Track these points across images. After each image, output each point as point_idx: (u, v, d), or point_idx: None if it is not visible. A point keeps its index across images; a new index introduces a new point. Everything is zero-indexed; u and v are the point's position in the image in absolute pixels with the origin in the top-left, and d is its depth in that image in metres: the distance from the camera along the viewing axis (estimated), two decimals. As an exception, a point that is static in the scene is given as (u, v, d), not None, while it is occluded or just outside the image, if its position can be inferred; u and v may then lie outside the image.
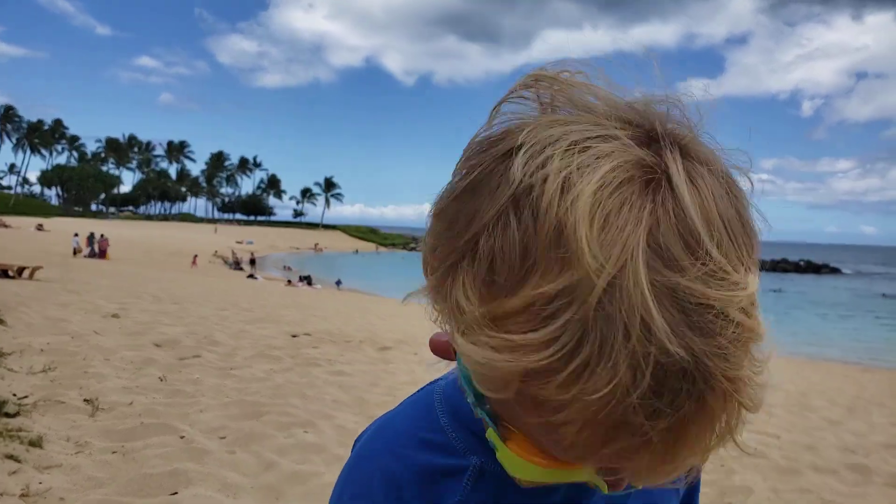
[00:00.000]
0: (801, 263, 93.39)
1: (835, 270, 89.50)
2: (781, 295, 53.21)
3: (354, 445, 0.70)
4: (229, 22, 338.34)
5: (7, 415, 4.43)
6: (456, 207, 0.47)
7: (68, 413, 4.91)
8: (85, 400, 5.23)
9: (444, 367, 0.71)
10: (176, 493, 3.67)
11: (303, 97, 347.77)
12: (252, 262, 51.66)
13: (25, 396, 5.07)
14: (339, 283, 42.31)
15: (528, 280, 0.41)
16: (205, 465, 4.10)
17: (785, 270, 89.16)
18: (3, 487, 3.42)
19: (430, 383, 0.74)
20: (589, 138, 0.42)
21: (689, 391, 0.40)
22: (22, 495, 3.41)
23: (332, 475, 4.21)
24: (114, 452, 4.23)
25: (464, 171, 0.48)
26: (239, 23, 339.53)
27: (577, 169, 0.40)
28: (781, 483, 5.13)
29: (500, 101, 0.50)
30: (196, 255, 49.86)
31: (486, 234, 0.43)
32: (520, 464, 0.51)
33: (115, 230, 57.52)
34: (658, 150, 0.43)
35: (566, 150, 0.41)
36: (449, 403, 0.66)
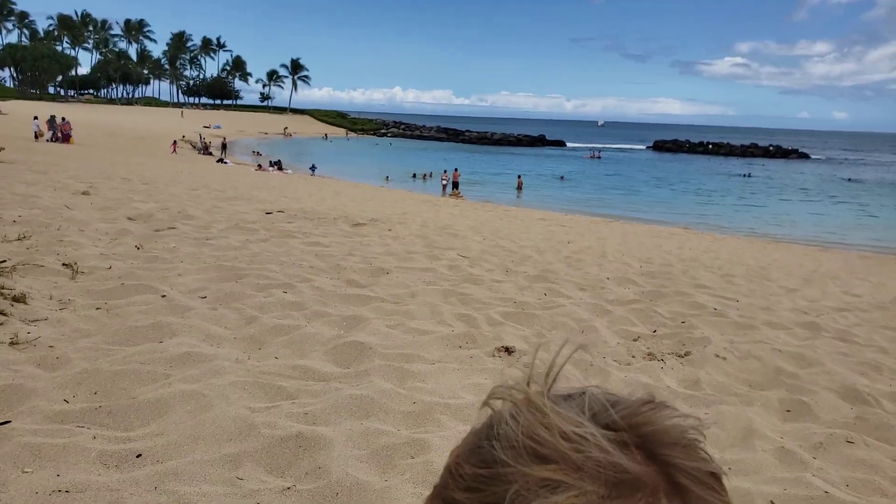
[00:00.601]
0: (771, 148, 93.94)
1: (803, 156, 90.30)
2: (750, 180, 53.98)
3: None
4: None
5: (-12, 274, 4.49)
6: None
7: (48, 275, 4.97)
8: (64, 264, 5.29)
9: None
10: (161, 341, 3.81)
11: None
12: (224, 147, 50.58)
13: (3, 261, 5.11)
14: (313, 168, 41.79)
15: None
16: (188, 319, 4.24)
17: (754, 155, 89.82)
18: (-8, 336, 3.52)
19: None
20: None
21: None
22: (11, 343, 3.52)
23: (312, 328, 4.39)
24: (97, 308, 4.34)
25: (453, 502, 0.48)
26: None
27: None
28: (737, 336, 5.45)
29: (484, 402, 0.51)
30: (175, 141, 48.69)
31: None
32: None
33: (77, 114, 55.57)
34: None
35: None
36: None
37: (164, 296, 4.74)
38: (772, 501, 3.03)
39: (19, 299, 4.14)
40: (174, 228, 7.92)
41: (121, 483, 2.43)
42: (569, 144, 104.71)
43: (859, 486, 3.18)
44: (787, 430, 3.78)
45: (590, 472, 0.42)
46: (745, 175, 57.00)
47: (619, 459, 0.43)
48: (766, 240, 22.25)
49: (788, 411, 4.01)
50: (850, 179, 59.15)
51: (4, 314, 3.86)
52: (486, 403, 0.51)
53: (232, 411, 3.02)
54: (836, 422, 3.89)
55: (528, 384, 0.48)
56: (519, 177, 37.04)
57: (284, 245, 7.72)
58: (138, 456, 2.64)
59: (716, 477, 0.46)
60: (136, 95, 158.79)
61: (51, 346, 3.58)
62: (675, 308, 6.31)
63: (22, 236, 6.15)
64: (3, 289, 4.20)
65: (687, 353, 4.79)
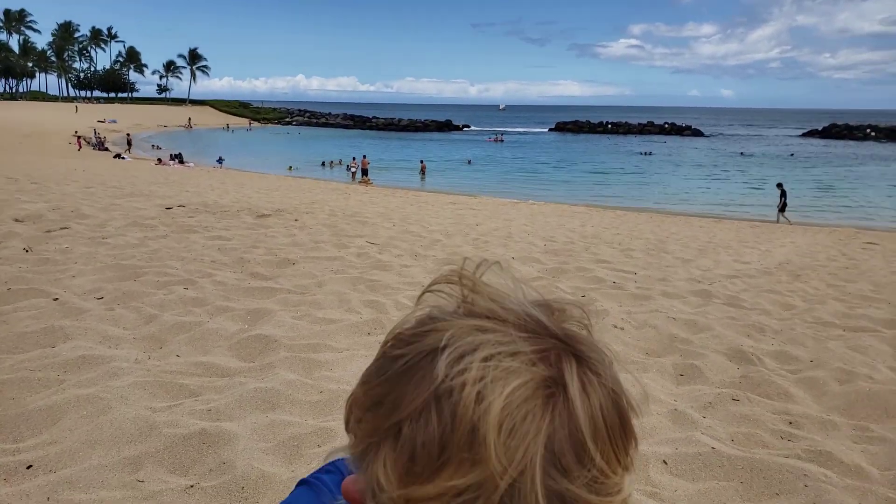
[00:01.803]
0: (666, 126, 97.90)
1: (697, 132, 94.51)
2: (651, 158, 56.10)
3: None
4: None
5: None
6: (383, 390, 0.54)
7: (-75, 284, 4.67)
8: (-58, 271, 4.98)
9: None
10: (54, 346, 3.66)
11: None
12: (129, 143, 48.40)
13: None
14: (220, 160, 40.63)
15: (443, 472, 0.48)
16: (82, 322, 4.08)
17: (651, 133, 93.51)
18: None
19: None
20: (500, 353, 0.50)
21: None
22: None
23: (215, 324, 4.31)
24: (-19, 316, 4.12)
25: (393, 357, 0.55)
26: None
27: (490, 382, 0.48)
28: (635, 307, 5.71)
29: (424, 291, 0.57)
30: (80, 137, 46.11)
31: (409, 423, 0.50)
32: None
33: (-47, 111, 51.78)
34: (558, 362, 0.50)
35: (482, 362, 0.49)
36: None
37: (56, 299, 4.54)
38: (664, 461, 3.22)
39: None
40: (67, 228, 7.56)
41: (10, 497, 2.34)
42: (474, 128, 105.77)
43: (743, 441, 3.42)
44: (680, 392, 4.01)
45: (514, 323, 0.52)
46: (645, 153, 59.19)
47: (540, 317, 0.52)
48: (665, 214, 23.23)
49: (682, 375, 4.25)
50: (742, 153, 62.48)
51: None
52: (422, 295, 0.57)
53: (131, 412, 2.95)
54: (724, 382, 4.15)
55: (459, 275, 0.56)
56: (422, 162, 37.19)
57: (185, 240, 7.51)
58: (28, 467, 2.54)
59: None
60: (21, 90, 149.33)
61: (-70, 359, 3.38)
62: (577, 283, 6.54)
63: None
64: None
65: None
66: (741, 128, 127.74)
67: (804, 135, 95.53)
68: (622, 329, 4.92)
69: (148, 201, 11.65)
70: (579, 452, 0.48)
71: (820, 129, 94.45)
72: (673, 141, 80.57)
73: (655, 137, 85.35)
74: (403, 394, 0.52)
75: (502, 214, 16.31)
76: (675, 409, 3.67)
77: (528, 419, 0.47)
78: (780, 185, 24.06)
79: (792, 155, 61.07)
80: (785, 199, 23.63)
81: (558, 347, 0.51)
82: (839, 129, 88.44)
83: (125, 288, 5.02)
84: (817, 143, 78.88)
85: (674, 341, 4.78)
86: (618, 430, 0.52)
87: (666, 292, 6.49)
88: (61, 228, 7.59)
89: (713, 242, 12.62)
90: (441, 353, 0.51)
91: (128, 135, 52.01)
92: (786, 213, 23.38)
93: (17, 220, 7.96)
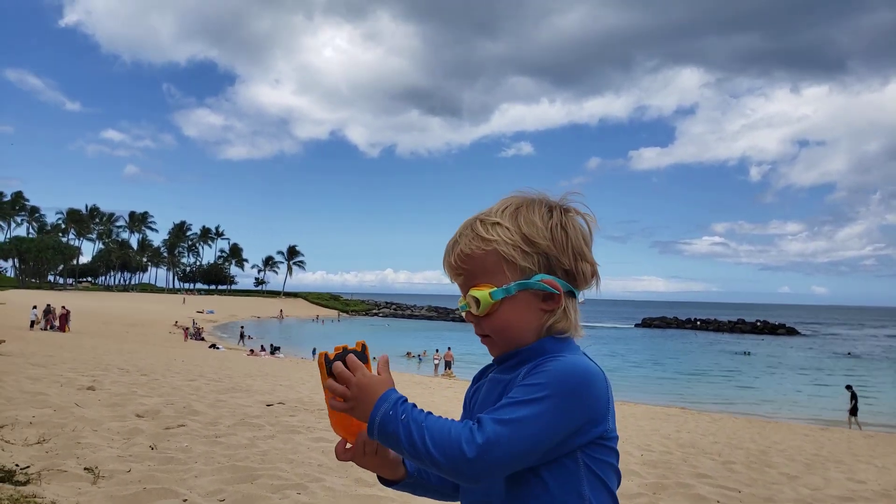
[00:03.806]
0: (758, 324, 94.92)
1: (792, 330, 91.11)
2: (750, 358, 54.13)
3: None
4: (197, 97, 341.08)
5: (18, 482, 4.65)
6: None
7: (71, 481, 5.11)
8: (85, 468, 5.44)
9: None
10: (190, 550, 3.93)
11: (267, 168, 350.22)
12: (242, 336, 51.50)
13: (28, 466, 5.27)
14: (314, 352, 42.16)
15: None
16: (212, 525, 4.36)
17: (742, 331, 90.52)
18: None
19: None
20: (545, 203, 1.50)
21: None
22: (47, 555, 3.65)
23: (330, 532, 4.50)
24: (123, 516, 4.47)
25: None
26: (207, 98, 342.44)
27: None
28: (743, 531, 5.54)
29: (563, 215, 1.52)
30: (187, 328, 49.30)
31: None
32: None
33: (74, 301, 56.38)
34: (556, 206, 1.48)
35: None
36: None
37: (185, 500, 4.87)
38: None
39: (49, 509, 4.28)
40: (183, 426, 8.07)
41: None
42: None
43: None
44: None
45: None
46: (745, 353, 57.27)
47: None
48: (763, 419, 22.18)
49: None
50: (849, 354, 59.55)
51: (36, 525, 3.99)
52: None
53: None
54: None
55: None
56: None
57: (290, 441, 7.85)
58: None
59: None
60: (133, 282, 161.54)
61: (83, 558, 3.70)
62: (679, 501, 6.40)
63: (42, 439, 6.32)
64: (35, 497, 4.35)
65: (696, 551, 4.87)
66: (838, 327, 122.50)
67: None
68: (733, 555, 4.79)
69: (249, 397, 12.22)
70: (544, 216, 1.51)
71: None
72: (770, 340, 77.90)
73: (748, 336, 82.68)
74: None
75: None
76: None
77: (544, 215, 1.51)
78: (849, 387, 23.51)
79: None
80: (856, 401, 22.75)
81: (555, 204, 1.54)
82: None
83: (244, 490, 5.32)
84: (931, 345, 74.54)
85: (790, 572, 4.60)
86: (540, 226, 1.47)
87: (775, 514, 6.26)
88: (178, 426, 8.10)
89: (821, 455, 12.00)
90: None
91: (241, 329, 54.94)
92: (857, 417, 22.46)
93: (138, 416, 8.56)
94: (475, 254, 1.44)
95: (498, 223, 1.44)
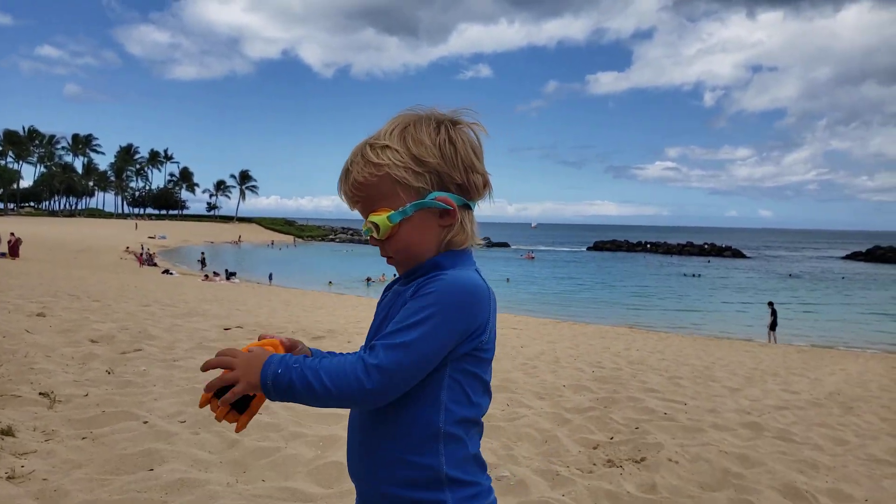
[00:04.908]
0: (706, 246, 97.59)
1: (738, 253, 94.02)
2: (701, 279, 55.82)
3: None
4: (140, 11, 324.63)
5: (-27, 408, 4.60)
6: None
7: (27, 405, 5.09)
8: (40, 393, 5.41)
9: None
10: (153, 469, 3.99)
11: (217, 90, 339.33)
12: (203, 262, 50.96)
13: (-19, 392, 5.21)
14: (271, 277, 42.00)
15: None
16: (174, 445, 4.42)
17: (690, 253, 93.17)
18: (-13, 471, 3.66)
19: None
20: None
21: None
22: (8, 478, 3.66)
23: (292, 449, 4.61)
24: (83, 438, 4.49)
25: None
26: (151, 12, 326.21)
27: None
28: (687, 440, 5.85)
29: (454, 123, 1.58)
30: (141, 254, 48.38)
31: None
32: None
33: (17, 226, 54.64)
34: (444, 120, 1.54)
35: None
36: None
37: (145, 422, 4.90)
38: None
39: (7, 432, 4.27)
40: (140, 350, 8.05)
41: None
42: (512, 246, 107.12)
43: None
44: (738, 528, 4.12)
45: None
46: (694, 275, 58.93)
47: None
48: (709, 337, 23.11)
49: (738, 511, 4.36)
50: (790, 275, 62.04)
51: (-4, 448, 3.99)
52: None
53: (229, 536, 3.22)
54: (781, 519, 4.25)
55: None
56: None
57: (250, 363, 7.89)
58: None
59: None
60: (80, 207, 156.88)
61: (44, 479, 3.73)
62: (629, 414, 6.70)
63: (-7, 365, 6.23)
64: (-10, 423, 4.33)
65: (643, 459, 5.14)
66: (782, 249, 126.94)
67: (847, 257, 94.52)
68: (677, 463, 5.07)
69: (206, 321, 12.19)
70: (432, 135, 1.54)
71: (863, 251, 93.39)
72: (717, 262, 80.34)
73: (696, 258, 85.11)
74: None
75: (545, 335, 16.51)
76: (735, 546, 3.80)
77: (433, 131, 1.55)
78: (770, 304, 24.87)
79: (843, 278, 60.38)
80: (775, 317, 24.14)
81: (444, 118, 1.59)
82: (883, 252, 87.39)
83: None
84: (864, 266, 77.96)
85: (727, 476, 4.90)
86: (430, 142, 1.50)
87: (716, 424, 6.61)
88: (134, 350, 8.07)
89: (759, 369, 12.61)
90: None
91: (202, 255, 54.34)
92: (776, 332, 23.89)
93: (92, 342, 8.49)
94: (369, 181, 1.49)
95: (387, 146, 1.48)
